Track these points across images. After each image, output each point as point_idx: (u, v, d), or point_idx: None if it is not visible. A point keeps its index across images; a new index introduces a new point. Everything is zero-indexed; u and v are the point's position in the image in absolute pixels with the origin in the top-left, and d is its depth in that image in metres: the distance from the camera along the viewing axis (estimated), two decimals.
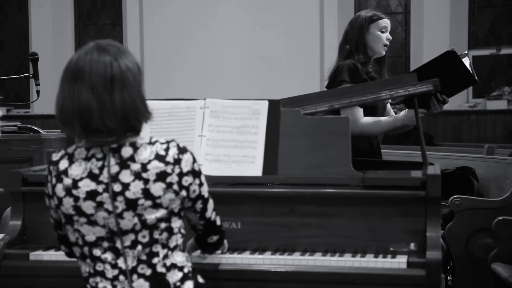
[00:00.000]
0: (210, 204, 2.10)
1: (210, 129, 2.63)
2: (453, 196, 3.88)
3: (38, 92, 4.05)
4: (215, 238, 2.18)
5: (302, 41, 8.15)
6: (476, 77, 3.19)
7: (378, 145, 3.45)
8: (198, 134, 2.62)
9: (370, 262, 2.30)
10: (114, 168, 1.92)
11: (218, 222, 2.17)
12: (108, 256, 1.94)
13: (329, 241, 2.43)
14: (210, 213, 2.11)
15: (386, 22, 3.38)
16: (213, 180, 2.45)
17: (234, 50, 8.32)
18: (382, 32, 3.35)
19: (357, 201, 2.44)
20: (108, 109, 1.86)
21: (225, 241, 2.31)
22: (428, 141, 6.66)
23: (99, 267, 1.95)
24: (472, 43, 8.00)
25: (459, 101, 7.79)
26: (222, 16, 8.36)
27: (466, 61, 3.19)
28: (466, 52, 3.35)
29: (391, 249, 2.38)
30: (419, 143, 2.82)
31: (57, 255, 2.45)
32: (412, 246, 2.37)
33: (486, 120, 7.68)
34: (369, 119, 3.21)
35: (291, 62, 8.15)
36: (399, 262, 2.28)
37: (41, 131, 4.39)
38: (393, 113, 3.42)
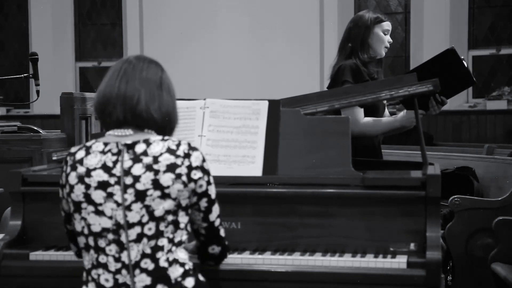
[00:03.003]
0: (216, 208, 2.11)
1: (210, 129, 2.63)
2: (453, 196, 3.88)
3: (38, 92, 4.05)
4: (216, 249, 2.16)
5: (302, 41, 8.15)
6: (474, 78, 3.19)
7: (379, 143, 3.45)
8: (198, 134, 2.62)
9: (370, 262, 2.30)
10: (127, 163, 1.99)
11: (222, 233, 2.16)
12: (112, 248, 1.97)
13: (329, 241, 2.43)
14: (215, 217, 2.11)
15: (388, 25, 3.41)
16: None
17: (234, 50, 8.31)
18: (385, 34, 3.38)
19: (357, 201, 2.44)
20: (155, 102, 2.02)
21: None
22: (428, 141, 6.66)
23: (102, 259, 1.98)
24: (472, 43, 8.00)
25: (459, 101, 7.79)
26: (222, 16, 8.36)
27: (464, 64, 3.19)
28: (462, 57, 3.35)
29: (391, 249, 2.38)
30: (419, 143, 2.82)
31: (57, 255, 2.45)
32: (412, 246, 2.37)
33: (486, 120, 7.68)
34: (369, 120, 3.22)
35: (291, 62, 8.15)
36: (399, 262, 2.28)
37: (41, 131, 4.39)
38: (388, 114, 3.43)
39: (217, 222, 2.13)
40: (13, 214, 2.62)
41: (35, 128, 4.46)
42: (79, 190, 1.99)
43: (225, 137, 2.61)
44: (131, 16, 8.75)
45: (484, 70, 7.97)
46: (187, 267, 2.01)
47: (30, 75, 4.06)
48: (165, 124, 2.06)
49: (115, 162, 1.99)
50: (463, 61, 3.14)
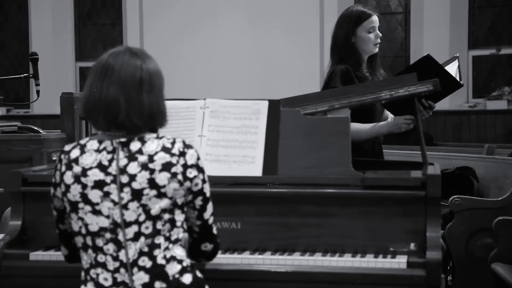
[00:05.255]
0: (210, 206, 2.11)
1: (210, 129, 2.63)
2: (453, 196, 3.88)
3: (38, 92, 4.05)
4: (209, 246, 2.15)
5: (302, 41, 8.15)
6: (461, 81, 3.12)
7: (379, 145, 3.40)
8: (198, 134, 2.62)
9: (370, 262, 2.30)
10: (123, 161, 1.98)
11: (215, 231, 2.15)
12: (110, 247, 1.97)
13: (329, 241, 2.43)
14: (209, 215, 2.11)
15: (372, 21, 3.26)
16: (213, 180, 2.44)
17: (234, 50, 8.31)
18: (370, 32, 3.25)
19: (357, 201, 2.44)
20: (136, 107, 1.97)
21: None
22: (428, 141, 6.66)
23: (101, 258, 1.98)
24: (472, 43, 7.99)
25: (459, 101, 7.79)
26: (222, 16, 8.36)
27: (454, 65, 3.12)
28: (457, 55, 3.28)
29: (391, 249, 2.38)
30: (419, 143, 2.82)
31: (57, 255, 2.45)
32: (412, 246, 2.37)
33: (486, 120, 7.68)
34: (354, 126, 3.06)
35: (291, 62, 8.14)
36: (399, 262, 2.29)
37: (41, 131, 4.39)
38: (390, 116, 3.33)
39: (211, 220, 2.12)
40: (13, 214, 2.62)
41: (35, 128, 4.46)
42: (75, 190, 1.99)
43: (225, 137, 2.61)
44: (131, 16, 8.74)
45: (484, 70, 7.97)
46: (184, 263, 2.01)
47: (30, 75, 4.06)
48: (152, 124, 2.03)
49: (110, 161, 1.99)
50: (452, 66, 3.07)
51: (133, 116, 1.97)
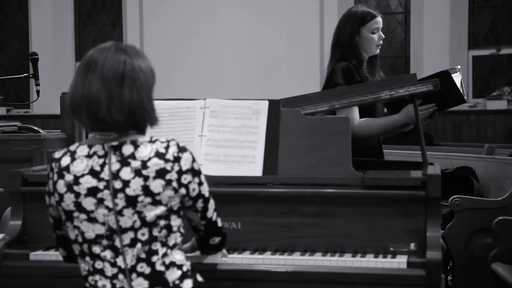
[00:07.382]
0: (211, 204, 2.10)
1: (210, 129, 2.63)
2: (453, 196, 3.88)
3: (38, 92, 4.05)
4: (217, 239, 2.17)
5: (302, 41, 8.15)
6: (465, 97, 3.13)
7: (379, 143, 3.41)
8: (198, 134, 2.62)
9: (370, 262, 2.30)
10: (115, 166, 1.95)
11: (220, 224, 2.16)
12: (107, 254, 1.96)
13: (329, 241, 2.43)
14: (212, 213, 2.11)
15: (377, 22, 3.28)
16: (213, 180, 2.45)
17: (234, 50, 8.31)
18: (374, 33, 3.27)
19: (357, 201, 2.44)
20: (116, 102, 1.91)
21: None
22: (428, 141, 6.65)
23: (99, 265, 1.97)
24: (472, 43, 7.99)
25: None
26: (222, 16, 8.36)
27: (458, 77, 3.12)
28: (459, 66, 3.28)
29: (391, 249, 2.38)
30: (419, 143, 2.82)
31: (57, 255, 2.44)
32: (412, 246, 2.37)
33: (486, 120, 7.68)
34: (364, 121, 3.12)
35: (291, 62, 8.15)
36: (399, 262, 2.29)
37: (41, 131, 4.39)
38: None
39: (214, 217, 2.12)
40: (13, 214, 2.62)
41: (35, 128, 4.46)
42: (69, 199, 1.96)
43: (225, 137, 2.61)
44: (131, 16, 8.75)
45: (484, 70, 7.97)
46: (184, 268, 2.00)
47: (30, 75, 4.06)
48: (133, 121, 1.95)
49: (102, 165, 1.95)
50: (456, 78, 3.07)
51: (113, 111, 1.91)
